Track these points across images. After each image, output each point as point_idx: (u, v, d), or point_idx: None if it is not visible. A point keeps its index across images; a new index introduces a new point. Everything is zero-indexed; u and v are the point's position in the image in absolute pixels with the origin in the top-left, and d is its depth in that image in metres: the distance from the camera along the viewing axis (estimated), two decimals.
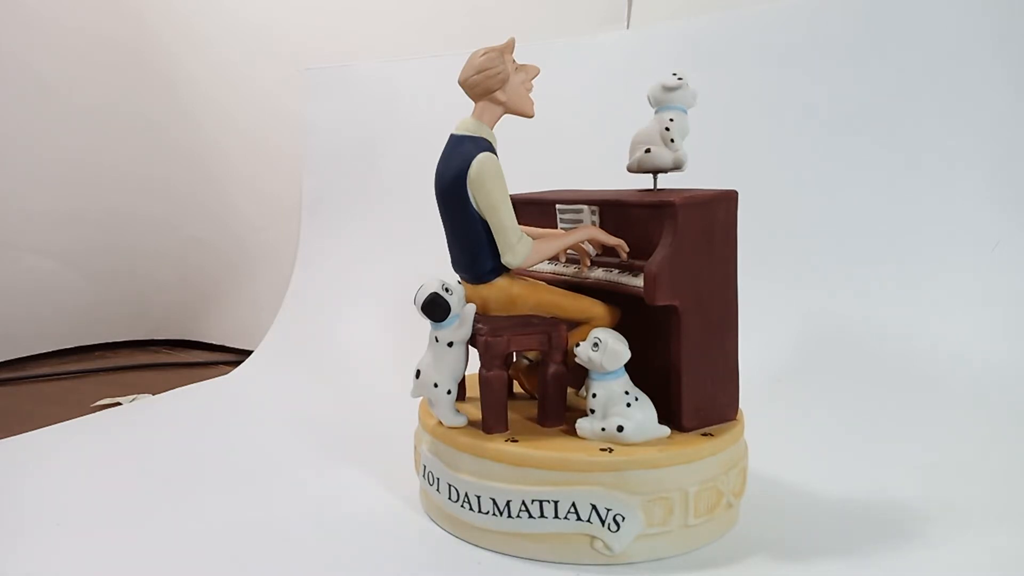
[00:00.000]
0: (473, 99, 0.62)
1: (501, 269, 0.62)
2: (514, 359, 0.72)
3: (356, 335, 1.23)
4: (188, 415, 1.04)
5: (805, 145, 1.15)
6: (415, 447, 0.69)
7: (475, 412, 0.63)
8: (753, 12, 1.18)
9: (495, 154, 0.60)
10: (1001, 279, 1.03)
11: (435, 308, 0.59)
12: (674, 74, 0.64)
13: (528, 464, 0.57)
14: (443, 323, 0.60)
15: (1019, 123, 1.06)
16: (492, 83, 0.60)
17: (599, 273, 0.65)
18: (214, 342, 1.61)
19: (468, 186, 0.59)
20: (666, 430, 0.59)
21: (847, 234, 1.13)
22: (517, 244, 0.60)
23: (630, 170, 0.66)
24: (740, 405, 0.64)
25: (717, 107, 1.15)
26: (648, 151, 0.64)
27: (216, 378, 1.24)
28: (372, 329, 1.16)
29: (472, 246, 0.61)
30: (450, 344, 0.61)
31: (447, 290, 0.60)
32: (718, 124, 1.15)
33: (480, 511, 0.59)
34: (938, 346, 0.99)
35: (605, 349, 0.58)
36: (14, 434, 0.94)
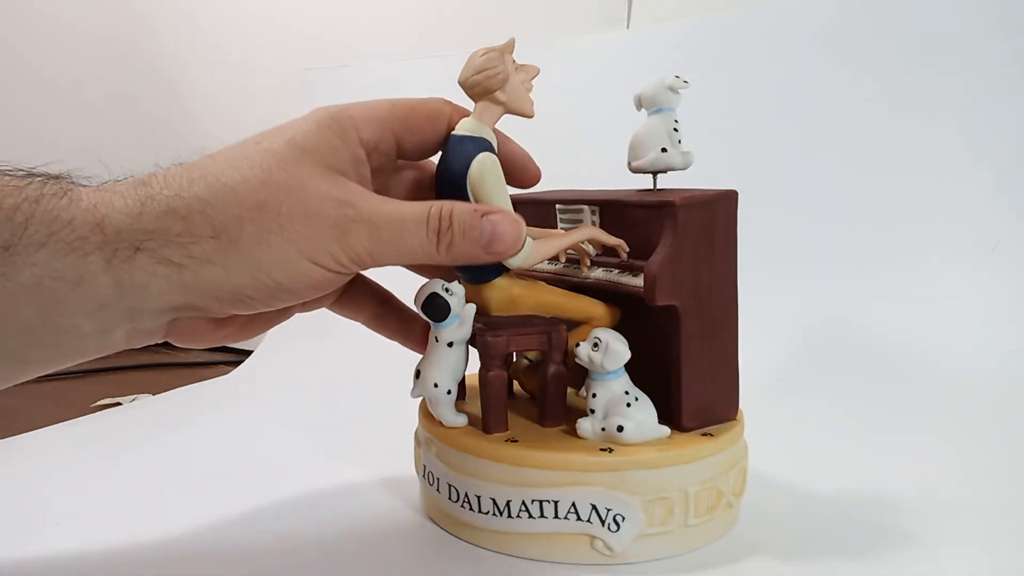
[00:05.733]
0: (473, 99, 0.62)
1: (501, 269, 0.62)
2: (514, 359, 0.72)
3: (356, 335, 1.23)
4: (188, 415, 1.04)
5: (806, 145, 1.15)
6: (415, 447, 0.69)
7: (475, 412, 0.63)
8: (753, 12, 1.18)
9: (495, 154, 0.60)
10: (1002, 278, 1.03)
11: (435, 308, 0.59)
12: (677, 76, 0.64)
13: (528, 464, 0.57)
14: (443, 323, 0.60)
15: (1021, 123, 1.05)
16: (492, 83, 0.60)
17: (599, 273, 0.65)
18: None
19: (468, 186, 0.59)
20: (666, 430, 0.59)
21: (848, 234, 1.13)
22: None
23: (640, 170, 0.65)
24: (740, 405, 0.64)
25: (717, 107, 1.15)
26: (664, 151, 0.64)
27: (216, 378, 1.24)
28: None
29: None
30: (450, 344, 0.61)
31: (447, 290, 0.60)
32: (718, 124, 1.15)
33: (480, 511, 0.59)
34: (939, 346, 0.99)
35: (606, 349, 0.58)
36: (14, 434, 0.94)
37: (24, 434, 0.95)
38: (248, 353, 1.36)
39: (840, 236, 1.14)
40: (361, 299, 0.69)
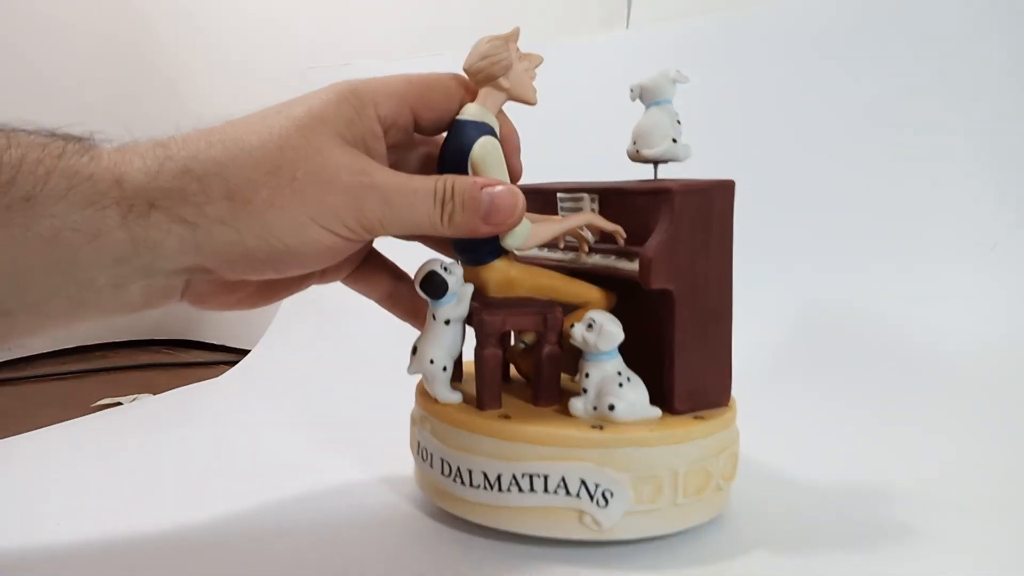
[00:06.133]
0: (476, 85, 0.63)
1: (500, 251, 0.63)
2: (511, 343, 0.73)
3: (356, 332, 1.23)
4: (188, 415, 1.04)
5: (807, 143, 1.17)
6: (410, 426, 0.69)
7: (470, 392, 0.64)
8: (753, 12, 1.19)
9: (497, 139, 0.62)
10: (1000, 267, 1.03)
11: (433, 285, 0.60)
12: (678, 71, 0.66)
13: (519, 439, 0.58)
14: (441, 301, 0.61)
15: (1020, 119, 1.07)
16: (496, 69, 0.61)
17: (596, 259, 0.66)
18: (214, 342, 1.62)
19: (469, 168, 0.60)
20: (657, 411, 0.60)
21: (848, 232, 1.13)
22: (516, 226, 0.61)
23: (651, 159, 0.66)
24: (734, 393, 0.65)
25: (717, 106, 1.16)
26: (675, 141, 0.65)
27: (216, 378, 1.25)
28: (372, 326, 1.16)
29: None
30: (447, 322, 0.62)
31: (445, 269, 0.61)
32: (718, 122, 1.15)
33: (471, 485, 0.60)
34: (937, 335, 1.00)
35: (600, 330, 0.59)
36: (14, 434, 0.94)
37: (24, 434, 0.94)
38: (247, 353, 1.37)
39: (839, 234, 1.15)
40: (376, 275, 0.70)
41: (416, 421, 0.67)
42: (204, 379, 1.23)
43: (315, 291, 1.36)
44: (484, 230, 0.58)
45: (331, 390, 1.11)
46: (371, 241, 0.67)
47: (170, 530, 0.65)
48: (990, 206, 1.08)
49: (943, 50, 1.11)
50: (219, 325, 1.60)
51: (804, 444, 0.81)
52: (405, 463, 0.72)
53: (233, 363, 1.34)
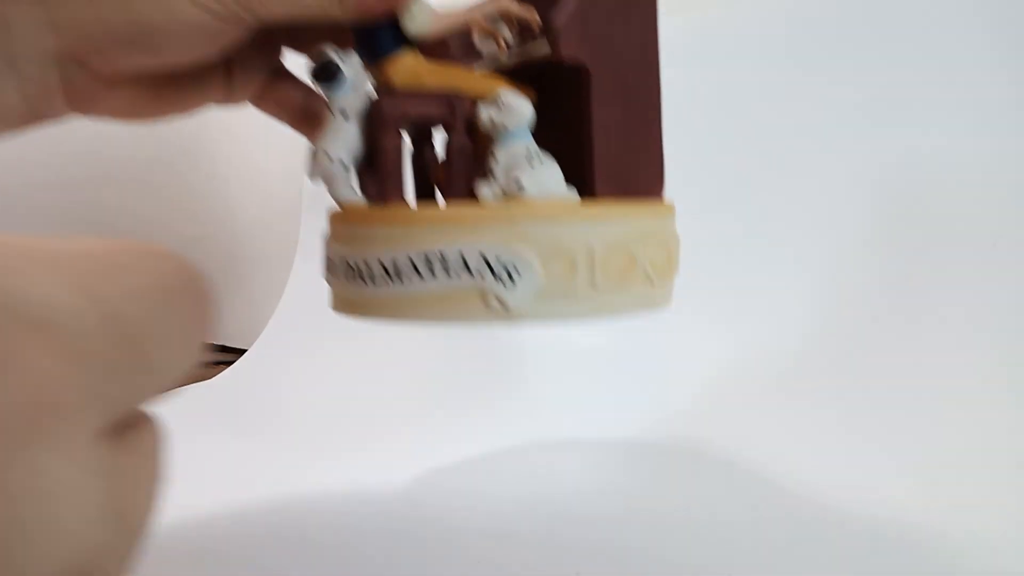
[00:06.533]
0: None
1: (403, 40, 0.58)
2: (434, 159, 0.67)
3: (354, 331, 1.20)
4: (187, 415, 1.02)
5: (805, 140, 1.13)
6: (322, 261, 0.64)
7: None
8: (752, 9, 1.18)
9: None
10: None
11: (325, 70, 0.55)
12: None
13: (415, 222, 0.52)
14: (336, 88, 0.56)
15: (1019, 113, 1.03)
16: None
17: (513, 56, 0.60)
18: (214, 342, 1.58)
19: None
20: (574, 193, 0.54)
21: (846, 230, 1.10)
22: (414, 6, 0.56)
23: None
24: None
25: (716, 102, 1.14)
26: None
27: (213, 379, 1.24)
28: (370, 326, 1.15)
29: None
30: (344, 114, 0.56)
31: (340, 58, 0.56)
32: (717, 119, 1.14)
33: (372, 282, 0.54)
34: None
35: (507, 107, 0.54)
36: None
37: None
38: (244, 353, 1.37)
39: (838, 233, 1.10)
40: (287, 91, 0.66)
41: (325, 247, 0.61)
42: (203, 379, 1.23)
43: (311, 290, 1.33)
44: (378, 8, 0.53)
45: (329, 389, 1.10)
46: (273, 52, 0.64)
47: (169, 530, 0.63)
48: (993, 201, 1.03)
49: (940, 37, 1.08)
50: (219, 325, 1.57)
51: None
52: (404, 463, 0.72)
53: (232, 363, 1.33)
